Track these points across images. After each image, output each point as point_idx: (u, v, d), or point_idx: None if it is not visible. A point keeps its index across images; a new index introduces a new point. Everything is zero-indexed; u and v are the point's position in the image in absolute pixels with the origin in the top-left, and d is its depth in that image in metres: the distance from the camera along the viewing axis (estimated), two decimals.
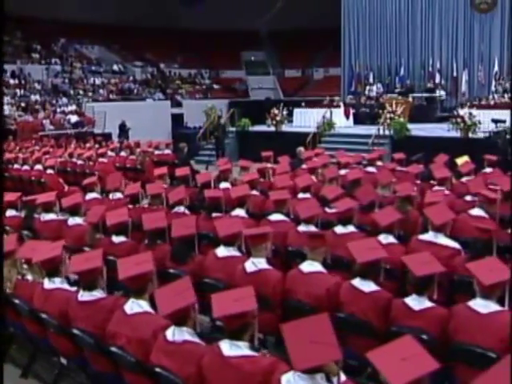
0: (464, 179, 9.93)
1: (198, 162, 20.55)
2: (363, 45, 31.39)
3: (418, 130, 20.12)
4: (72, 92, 31.49)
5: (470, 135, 17.88)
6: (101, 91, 32.97)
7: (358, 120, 23.44)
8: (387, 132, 19.36)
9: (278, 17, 37.06)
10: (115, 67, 36.09)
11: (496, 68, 27.32)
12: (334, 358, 3.08)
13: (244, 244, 5.67)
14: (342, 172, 10.21)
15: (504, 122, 17.73)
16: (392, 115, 19.67)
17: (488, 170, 10.99)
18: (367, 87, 28.52)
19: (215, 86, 39.13)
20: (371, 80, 30.06)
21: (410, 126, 20.19)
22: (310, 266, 5.10)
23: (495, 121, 17.89)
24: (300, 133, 20.77)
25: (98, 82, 33.71)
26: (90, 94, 32.23)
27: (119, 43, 37.82)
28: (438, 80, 28.38)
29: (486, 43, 28.18)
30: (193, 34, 38.32)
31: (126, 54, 38.08)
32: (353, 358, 4.18)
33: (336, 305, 4.85)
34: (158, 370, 3.91)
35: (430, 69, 29.08)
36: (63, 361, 5.09)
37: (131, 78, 35.58)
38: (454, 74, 28.80)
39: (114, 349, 4.31)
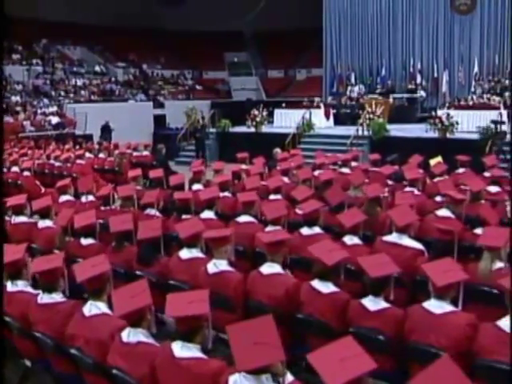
0: (436, 180, 10.03)
1: (179, 163, 20.56)
2: (345, 45, 31.55)
3: (398, 130, 20.21)
4: (53, 93, 31.35)
5: (448, 136, 18.00)
6: (82, 92, 32.83)
7: (339, 121, 23.46)
8: (366, 133, 19.40)
9: (261, 17, 37.10)
10: (97, 68, 35.97)
11: (476, 69, 27.54)
12: (277, 359, 3.11)
13: (206, 246, 5.70)
14: (316, 173, 10.25)
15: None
16: (371, 116, 19.72)
17: (461, 170, 11.10)
18: (349, 88, 28.63)
19: (198, 87, 39.10)
20: (353, 81, 30.20)
21: (390, 126, 20.28)
22: (269, 268, 5.13)
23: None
24: (280, 134, 20.74)
25: (79, 83, 33.57)
26: (72, 95, 32.09)
27: (102, 44, 37.71)
28: (418, 80, 28.58)
29: (465, 44, 28.43)
30: (176, 35, 38.34)
31: (109, 55, 37.98)
32: None
33: (295, 306, 4.88)
34: (114, 371, 3.93)
35: (411, 69, 29.28)
36: (27, 363, 5.10)
37: (113, 79, 35.47)
38: (435, 74, 29.04)
39: (73, 351, 4.33)
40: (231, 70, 40.56)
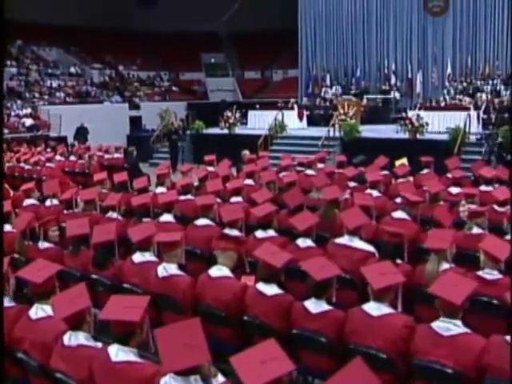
0: (399, 181, 10.16)
1: (153, 165, 20.54)
2: (320, 47, 31.73)
3: (371, 131, 20.38)
4: (27, 95, 31.16)
5: (418, 136, 18.18)
6: (57, 94, 32.68)
7: (312, 122, 23.53)
8: (338, 134, 19.52)
9: (238, 18, 37.15)
10: (72, 70, 35.78)
11: (449, 70, 27.84)
12: (203, 361, 3.18)
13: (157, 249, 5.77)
14: (281, 175, 10.34)
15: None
16: (344, 117, 19.85)
17: (425, 171, 11.23)
18: (323, 89, 28.78)
19: (174, 88, 39.04)
20: (328, 82, 30.37)
21: (363, 127, 20.46)
22: (218, 271, 5.20)
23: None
24: (253, 135, 20.79)
25: (54, 84, 33.40)
26: (47, 96, 31.92)
27: (78, 45, 37.53)
28: (393, 81, 28.82)
29: (439, 45, 28.75)
30: (153, 36, 38.28)
31: (85, 57, 37.81)
32: None
33: (243, 308, 4.96)
34: (57, 374, 3.98)
35: (386, 70, 29.53)
36: None
37: (89, 81, 35.34)
38: (409, 75, 29.32)
39: (19, 354, 4.36)
40: (208, 71, 40.55)
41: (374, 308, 4.26)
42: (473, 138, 17.80)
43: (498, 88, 25.02)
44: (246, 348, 4.72)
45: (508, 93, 24.42)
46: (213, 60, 41.15)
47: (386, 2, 29.60)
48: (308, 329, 4.47)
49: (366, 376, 2.74)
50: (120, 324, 3.65)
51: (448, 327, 3.95)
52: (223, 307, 5.00)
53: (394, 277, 4.29)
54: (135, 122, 32.15)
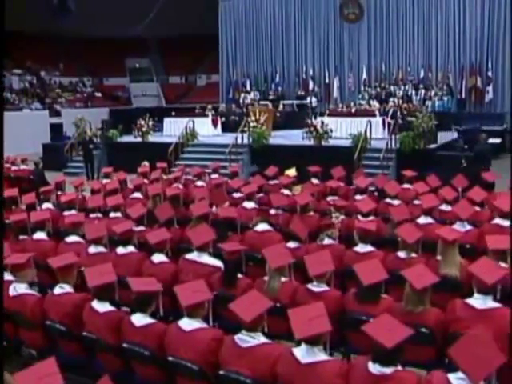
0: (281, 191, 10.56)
1: (68, 174, 20.45)
2: (240, 52, 32.24)
3: (282, 137, 20.85)
4: None
5: (323, 143, 18.66)
6: None
7: (227, 128, 23.70)
8: (246, 141, 19.79)
9: (163, 23, 37.19)
10: None
11: (364, 75, 28.73)
12: None
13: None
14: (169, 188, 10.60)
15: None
16: (255, 124, 20.10)
17: (314, 180, 11.69)
18: (242, 94, 29.22)
19: (97, 94, 38.83)
20: (248, 87, 30.89)
21: (277, 133, 20.94)
22: (59, 289, 5.50)
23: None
24: (166, 143, 20.86)
25: None
26: None
27: None
28: (311, 87, 29.54)
29: (354, 51, 29.61)
30: (77, 41, 37.91)
31: (7, 62, 37.15)
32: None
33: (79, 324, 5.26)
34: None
35: (304, 76, 30.23)
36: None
37: (7, 87, 34.78)
38: (327, 80, 30.07)
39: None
40: (132, 76, 40.51)
41: (186, 323, 4.63)
42: (375, 144, 18.32)
43: (409, 93, 26.01)
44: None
45: (418, 98, 25.46)
46: (137, 65, 41.13)
47: (304, 8, 30.33)
48: (132, 342, 4.81)
49: None
50: None
51: (247, 339, 4.35)
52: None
53: (203, 294, 4.67)
54: (56, 129, 31.78)
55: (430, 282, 5.00)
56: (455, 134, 21.07)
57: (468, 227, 7.59)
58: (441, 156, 16.73)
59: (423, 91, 25.85)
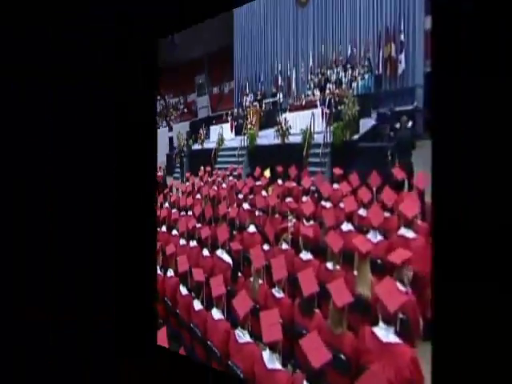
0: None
1: (175, 179, 13.41)
2: (240, 55, 36.48)
3: (265, 137, 16.11)
4: None
5: (286, 141, 21.95)
6: None
7: (239, 132, 20.00)
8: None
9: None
10: None
11: (311, 62, 36.01)
12: None
13: None
14: None
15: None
16: (250, 125, 15.49)
17: (279, 181, 9.76)
18: (244, 97, 31.82)
19: (185, 110, 44.60)
20: (247, 90, 36.22)
21: (262, 133, 17.45)
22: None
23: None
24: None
25: None
26: None
27: None
28: (280, 82, 33.72)
29: (304, 37, 32.00)
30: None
31: None
32: None
33: None
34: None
35: (275, 71, 35.06)
36: None
37: None
38: (288, 73, 36.34)
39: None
40: (198, 91, 44.80)
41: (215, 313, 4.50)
42: (317, 138, 19.03)
43: (340, 76, 32.26)
44: None
45: (346, 80, 32.52)
46: (200, 81, 42.99)
47: None
48: None
49: None
50: None
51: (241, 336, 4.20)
52: None
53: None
54: (171, 141, 36.12)
55: (347, 301, 3.97)
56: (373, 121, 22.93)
57: (379, 237, 6.35)
58: (362, 148, 14.45)
59: (350, 71, 32.26)
